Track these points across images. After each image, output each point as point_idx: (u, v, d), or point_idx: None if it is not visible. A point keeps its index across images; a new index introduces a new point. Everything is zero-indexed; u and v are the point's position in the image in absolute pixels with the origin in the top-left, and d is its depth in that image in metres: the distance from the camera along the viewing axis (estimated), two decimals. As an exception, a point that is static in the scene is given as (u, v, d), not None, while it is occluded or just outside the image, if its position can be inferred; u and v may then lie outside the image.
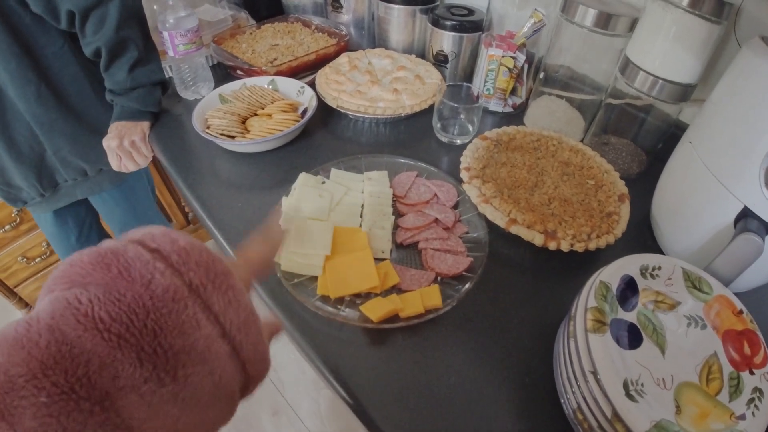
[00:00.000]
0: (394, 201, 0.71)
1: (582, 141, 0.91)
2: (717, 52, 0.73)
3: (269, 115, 0.85)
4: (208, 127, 0.83)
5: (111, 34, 0.84)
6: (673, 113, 0.79)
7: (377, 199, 0.68)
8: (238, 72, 1.01)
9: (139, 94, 0.92)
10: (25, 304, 1.73)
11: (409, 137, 0.90)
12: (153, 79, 0.93)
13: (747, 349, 0.47)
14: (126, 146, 0.92)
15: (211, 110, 0.86)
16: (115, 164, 0.95)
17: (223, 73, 1.08)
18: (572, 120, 0.92)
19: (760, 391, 0.43)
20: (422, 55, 1.06)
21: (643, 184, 0.78)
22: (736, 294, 0.51)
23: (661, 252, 0.71)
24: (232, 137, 0.80)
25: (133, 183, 1.22)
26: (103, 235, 1.41)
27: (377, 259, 0.61)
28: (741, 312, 0.49)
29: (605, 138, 0.89)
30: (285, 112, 0.85)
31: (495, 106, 0.96)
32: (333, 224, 0.63)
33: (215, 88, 1.04)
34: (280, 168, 0.80)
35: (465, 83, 0.88)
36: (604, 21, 0.76)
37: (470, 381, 0.53)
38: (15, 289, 1.67)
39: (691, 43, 0.69)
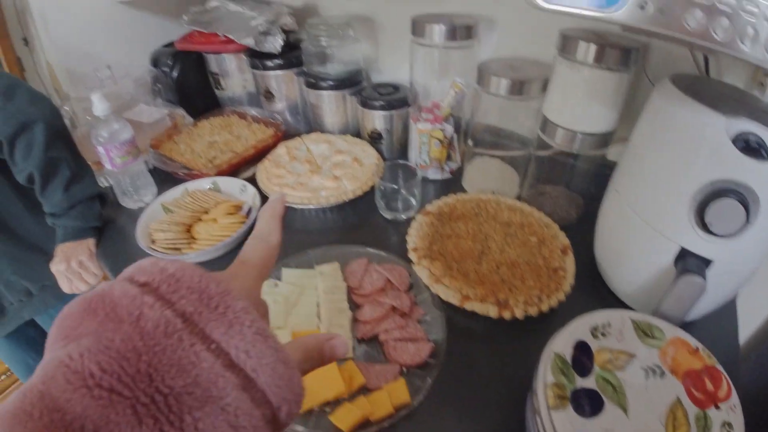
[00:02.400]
0: (348, 293, 0.71)
1: (519, 195, 0.94)
2: (631, 93, 0.76)
3: (214, 220, 0.85)
4: (153, 242, 0.83)
5: (41, 157, 0.85)
6: (599, 155, 0.82)
7: (332, 295, 0.69)
8: (179, 174, 1.01)
9: (79, 212, 0.91)
10: None
11: (357, 218, 0.92)
12: (89, 193, 0.93)
13: (709, 386, 0.48)
14: (74, 267, 0.90)
15: (153, 223, 0.85)
16: (66, 287, 0.92)
17: (164, 175, 1.08)
18: (507, 176, 0.97)
19: (729, 424, 0.45)
20: (358, 133, 1.10)
21: (584, 227, 0.80)
22: (688, 323, 0.52)
23: (612, 295, 0.73)
24: (179, 249, 0.80)
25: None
26: None
27: (339, 360, 0.61)
28: (697, 349, 0.50)
29: (541, 188, 0.93)
30: (230, 214, 0.86)
31: (433, 174, 1.00)
32: (290, 330, 0.63)
33: (157, 192, 1.04)
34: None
35: (401, 160, 0.92)
36: (518, 88, 0.80)
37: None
38: None
39: (603, 96, 0.73)
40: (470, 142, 0.94)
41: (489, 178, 0.96)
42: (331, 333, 0.31)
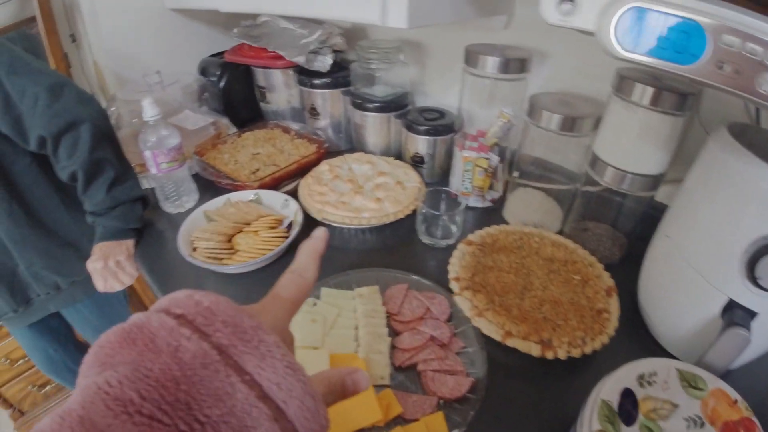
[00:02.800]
0: (387, 317, 0.70)
1: (562, 230, 0.93)
2: (682, 136, 0.75)
3: (256, 232, 0.85)
4: (194, 249, 0.83)
5: (86, 157, 0.85)
6: (648, 195, 0.81)
7: (371, 319, 0.68)
8: (222, 183, 1.03)
9: (120, 213, 0.92)
10: (9, 405, 1.76)
11: (395, 241, 0.91)
12: (132, 195, 0.94)
13: (743, 437, 0.48)
14: (111, 267, 0.90)
15: (196, 231, 0.86)
16: (100, 286, 0.93)
17: (205, 182, 1.09)
18: (550, 210, 0.95)
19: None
20: (399, 156, 1.10)
21: (627, 268, 0.79)
22: (728, 371, 0.51)
23: (653, 339, 0.71)
24: (219, 259, 0.80)
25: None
26: (80, 345, 1.38)
27: (377, 386, 0.60)
28: (736, 401, 0.50)
29: (584, 224, 0.91)
30: (271, 228, 0.86)
31: (474, 202, 0.99)
32: (328, 351, 0.63)
33: (198, 199, 1.05)
34: (269, 287, 0.79)
35: (444, 187, 0.91)
36: (569, 124, 0.80)
37: None
38: None
39: (656, 138, 0.72)
40: (515, 173, 0.94)
41: (531, 210, 0.95)
42: (353, 367, 0.32)
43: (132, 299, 1.75)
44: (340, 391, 0.31)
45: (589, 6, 0.44)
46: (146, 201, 0.99)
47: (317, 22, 1.27)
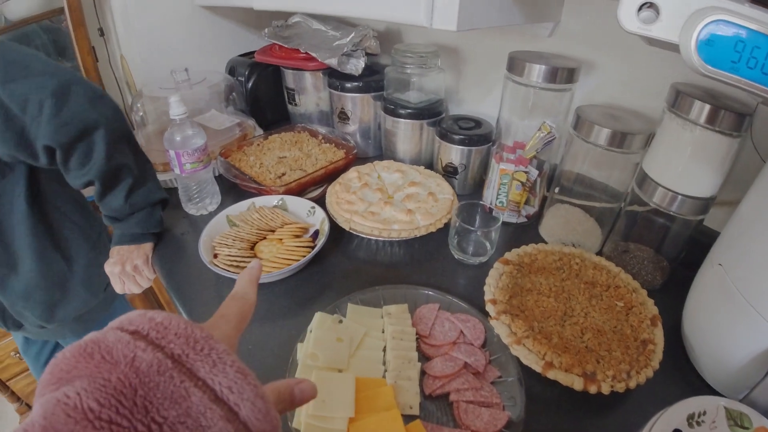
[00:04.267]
0: (417, 339, 0.66)
1: (601, 250, 0.88)
2: (735, 159, 0.71)
3: (280, 240, 0.82)
4: (215, 255, 0.80)
5: (102, 166, 0.78)
6: (696, 219, 0.76)
7: (401, 342, 0.64)
8: (246, 186, 0.99)
9: (140, 218, 0.88)
10: (17, 398, 1.78)
11: (424, 255, 0.87)
12: (152, 199, 0.90)
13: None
14: (129, 271, 0.88)
15: (218, 236, 0.83)
16: (118, 288, 0.91)
17: (229, 184, 1.06)
18: (589, 229, 0.90)
19: None
20: (430, 165, 1.06)
21: (669, 295, 0.75)
22: None
23: (694, 371, 0.67)
24: (241, 268, 0.77)
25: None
26: None
27: (405, 416, 0.56)
28: None
29: (625, 246, 0.86)
30: (296, 236, 0.82)
31: (508, 217, 0.94)
32: (354, 375, 0.58)
33: (221, 201, 1.02)
34: (293, 298, 0.76)
35: (479, 202, 0.87)
36: (619, 140, 0.75)
37: None
38: (7, 383, 1.72)
39: (710, 159, 0.67)
40: (556, 189, 0.89)
41: (570, 229, 0.90)
42: (300, 378, 0.35)
43: (148, 298, 1.74)
44: (289, 400, 0.33)
45: (672, 14, 0.39)
46: (166, 203, 0.95)
47: (351, 24, 1.23)
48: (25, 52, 0.75)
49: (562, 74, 0.81)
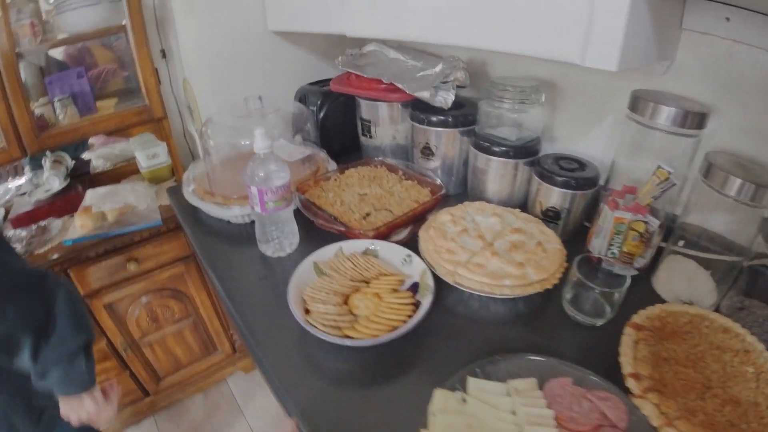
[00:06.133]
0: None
1: (718, 307, 0.78)
2: None
3: (377, 295, 0.74)
4: (307, 311, 0.73)
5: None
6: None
7: (539, 428, 0.55)
8: (327, 226, 0.93)
9: (58, 377, 0.77)
10: None
11: (530, 312, 0.78)
12: (65, 352, 0.77)
13: None
14: (84, 420, 0.84)
15: (308, 288, 0.75)
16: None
17: (304, 220, 0.98)
18: (702, 281, 0.80)
19: None
20: (523, 207, 0.97)
21: None
22: None
23: None
24: (339, 329, 0.69)
25: None
26: None
27: None
28: None
29: (740, 301, 0.76)
30: (393, 290, 0.75)
31: (620, 270, 0.85)
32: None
33: (298, 243, 0.96)
34: (385, 362, 0.68)
35: (589, 254, 0.78)
36: (752, 192, 0.66)
37: None
38: None
39: None
40: (680, 243, 0.79)
41: (687, 285, 0.80)
42: None
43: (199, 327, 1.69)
44: None
45: None
46: (90, 343, 0.84)
47: (432, 54, 1.17)
48: None
49: (693, 119, 0.72)
